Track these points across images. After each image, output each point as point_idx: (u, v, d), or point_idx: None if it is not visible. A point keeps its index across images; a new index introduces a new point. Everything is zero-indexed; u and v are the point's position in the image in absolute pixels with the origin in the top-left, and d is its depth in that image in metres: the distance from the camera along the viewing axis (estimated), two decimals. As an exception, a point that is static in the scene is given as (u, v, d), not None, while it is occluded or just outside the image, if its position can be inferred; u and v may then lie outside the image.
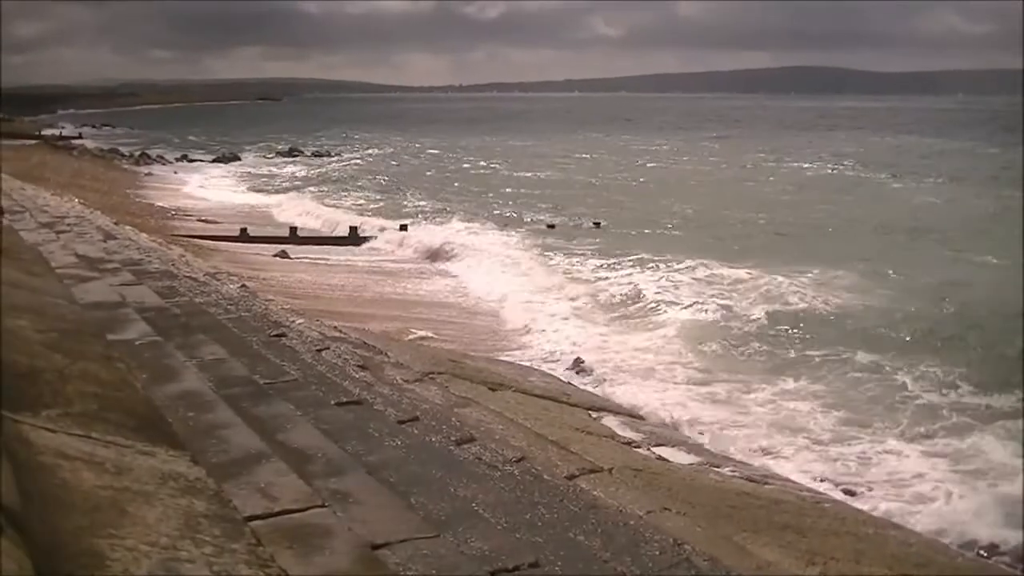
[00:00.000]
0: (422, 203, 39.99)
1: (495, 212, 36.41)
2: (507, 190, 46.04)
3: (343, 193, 43.55)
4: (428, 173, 56.22)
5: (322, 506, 3.94)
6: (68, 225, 15.39)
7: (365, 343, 10.15)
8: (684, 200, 40.95)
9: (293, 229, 28.18)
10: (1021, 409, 13.10)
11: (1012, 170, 52.23)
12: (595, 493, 5.85)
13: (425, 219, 33.24)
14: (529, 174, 55.05)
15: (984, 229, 32.17)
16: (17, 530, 2.43)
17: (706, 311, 18.78)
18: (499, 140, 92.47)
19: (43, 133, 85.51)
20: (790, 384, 14.07)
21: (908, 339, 17.16)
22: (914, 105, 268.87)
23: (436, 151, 77.01)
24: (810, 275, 22.34)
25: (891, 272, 22.97)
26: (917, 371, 14.83)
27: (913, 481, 10.49)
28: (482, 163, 64.74)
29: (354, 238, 28.00)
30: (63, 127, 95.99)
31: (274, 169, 58.84)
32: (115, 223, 19.58)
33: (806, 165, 60.75)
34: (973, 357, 15.91)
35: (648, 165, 62.74)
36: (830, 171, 56.83)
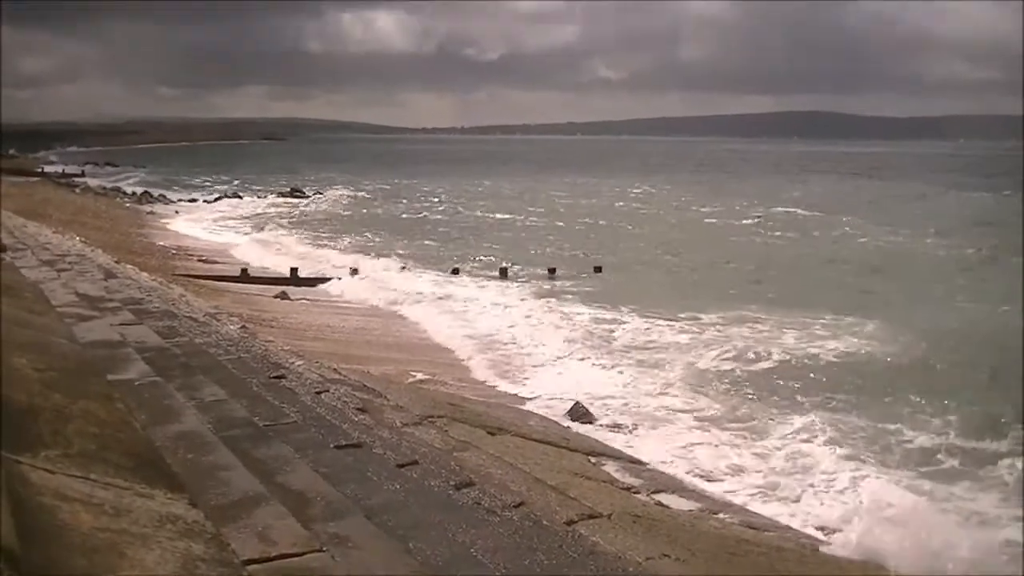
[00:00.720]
0: (427, 244, 40.31)
1: (497, 255, 36.39)
2: (506, 234, 46.17)
3: (343, 235, 43.57)
4: (427, 216, 56.38)
5: (320, 550, 3.93)
6: (69, 263, 15.43)
7: (364, 385, 10.14)
8: (679, 245, 41.19)
9: (294, 270, 28.21)
10: (1021, 451, 13.21)
11: (1004, 215, 52.90)
12: (594, 539, 5.83)
13: (424, 262, 33.34)
14: (523, 217, 55.30)
15: (976, 274, 32.87)
16: (15, 571, 2.42)
17: (703, 356, 18.82)
18: (498, 182, 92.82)
19: (46, 170, 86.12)
20: (790, 429, 14.04)
21: (907, 383, 17.19)
22: (915, 150, 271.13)
23: (437, 193, 77.24)
24: (803, 320, 22.40)
25: (886, 317, 22.97)
26: (916, 415, 14.94)
27: (914, 525, 10.46)
28: (481, 204, 65.10)
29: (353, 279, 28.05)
30: (63, 167, 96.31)
31: (276, 209, 58.96)
32: (116, 261, 19.61)
33: (791, 210, 60.45)
34: (972, 401, 15.98)
35: (642, 210, 62.62)
36: (818, 216, 56.57)
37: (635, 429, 13.45)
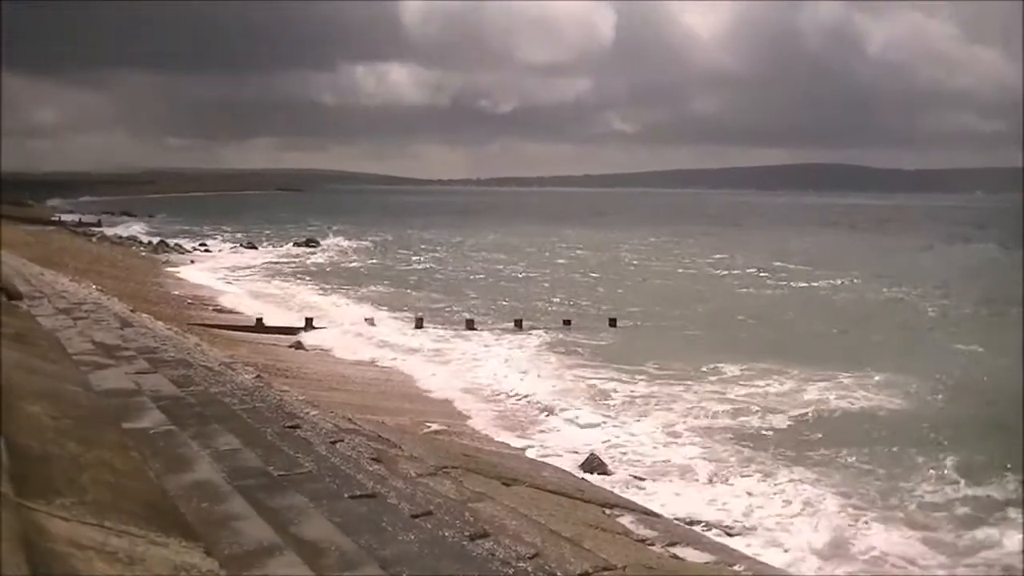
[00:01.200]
0: (441, 296, 40.38)
1: (511, 307, 36.40)
2: (520, 286, 46.17)
3: (358, 286, 43.59)
4: (441, 268, 56.36)
5: (335, 601, 3.90)
6: (85, 311, 15.47)
7: (379, 436, 10.10)
8: (689, 298, 41.07)
9: (308, 320, 28.26)
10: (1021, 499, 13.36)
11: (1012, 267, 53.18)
12: (609, 592, 5.78)
13: (439, 313, 33.41)
14: (537, 269, 55.35)
15: (979, 324, 33.23)
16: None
17: (715, 409, 18.80)
18: (511, 234, 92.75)
19: (63, 218, 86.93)
20: (802, 480, 14.07)
21: (916, 434, 17.29)
22: (929, 202, 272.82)
23: (451, 244, 77.47)
24: (812, 373, 22.38)
25: (894, 368, 22.95)
26: (926, 465, 15.13)
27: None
28: (495, 255, 65.19)
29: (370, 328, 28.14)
30: (79, 216, 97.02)
31: (291, 259, 59.20)
32: (132, 310, 19.67)
33: (795, 266, 59.41)
34: (979, 451, 16.05)
35: (653, 263, 62.14)
36: (825, 270, 55.62)
37: (651, 480, 13.43)
